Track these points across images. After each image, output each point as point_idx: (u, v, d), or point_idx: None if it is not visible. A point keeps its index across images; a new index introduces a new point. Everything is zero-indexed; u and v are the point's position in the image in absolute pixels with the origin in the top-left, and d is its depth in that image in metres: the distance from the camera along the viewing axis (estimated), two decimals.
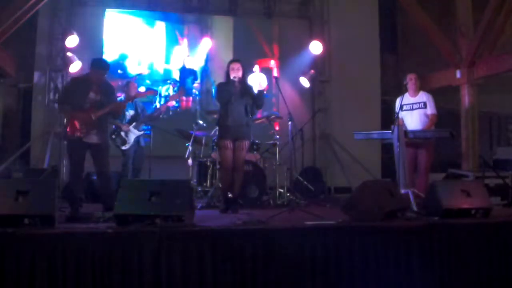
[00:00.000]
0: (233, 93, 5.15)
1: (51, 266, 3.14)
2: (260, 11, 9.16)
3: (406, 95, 5.67)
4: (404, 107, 5.67)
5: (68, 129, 4.75)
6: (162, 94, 8.52)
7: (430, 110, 5.64)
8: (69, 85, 4.80)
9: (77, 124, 4.67)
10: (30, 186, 3.51)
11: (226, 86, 5.21)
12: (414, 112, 5.67)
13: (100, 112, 4.76)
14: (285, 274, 3.45)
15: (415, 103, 5.68)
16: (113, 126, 6.04)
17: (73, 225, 3.75)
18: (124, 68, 8.48)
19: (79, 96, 4.74)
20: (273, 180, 6.63)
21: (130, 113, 6.23)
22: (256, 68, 8.88)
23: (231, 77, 5.16)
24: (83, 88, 4.78)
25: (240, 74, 5.21)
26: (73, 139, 4.72)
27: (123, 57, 8.50)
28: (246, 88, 5.32)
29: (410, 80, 5.70)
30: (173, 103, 8.33)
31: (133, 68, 8.53)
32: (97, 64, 4.85)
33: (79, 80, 4.92)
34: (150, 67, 8.65)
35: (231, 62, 5.33)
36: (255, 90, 5.33)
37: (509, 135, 11.05)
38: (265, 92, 5.49)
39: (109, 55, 8.30)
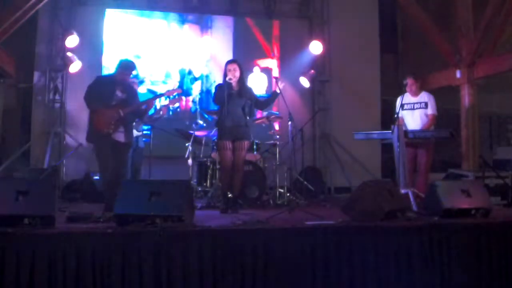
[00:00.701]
0: (230, 94, 5.12)
1: (51, 266, 3.15)
2: (260, 11, 9.15)
3: (407, 94, 5.68)
4: (405, 106, 5.67)
5: (95, 127, 4.77)
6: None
7: (431, 110, 5.64)
8: (95, 84, 4.91)
9: (105, 120, 4.72)
10: (30, 186, 3.51)
11: (222, 87, 5.18)
12: (415, 112, 5.67)
13: (128, 108, 4.85)
14: (285, 274, 3.44)
15: (416, 103, 5.69)
16: None
17: (73, 225, 3.75)
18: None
19: (107, 94, 4.83)
20: (273, 180, 6.63)
21: None
22: (256, 68, 8.89)
23: (227, 79, 5.14)
24: (110, 86, 4.89)
25: (237, 74, 5.18)
26: (101, 136, 4.74)
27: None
28: (244, 89, 5.30)
29: (407, 85, 5.71)
30: (175, 104, 8.34)
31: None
32: (125, 66, 4.98)
33: (105, 79, 5.08)
34: (151, 67, 8.66)
35: (227, 63, 5.30)
36: (277, 90, 5.37)
37: (509, 135, 11.06)
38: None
39: (111, 54, 8.31)
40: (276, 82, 5.78)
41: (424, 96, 5.72)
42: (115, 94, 4.85)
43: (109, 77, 5.02)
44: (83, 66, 7.83)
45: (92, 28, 8.31)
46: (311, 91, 9.23)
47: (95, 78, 5.06)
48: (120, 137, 4.82)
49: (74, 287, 3.15)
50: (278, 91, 5.45)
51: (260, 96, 8.48)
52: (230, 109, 5.11)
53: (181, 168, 6.88)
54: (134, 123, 6.09)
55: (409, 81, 5.70)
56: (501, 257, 3.85)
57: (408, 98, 5.67)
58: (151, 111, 6.73)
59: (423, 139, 5.49)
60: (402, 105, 5.58)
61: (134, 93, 5.17)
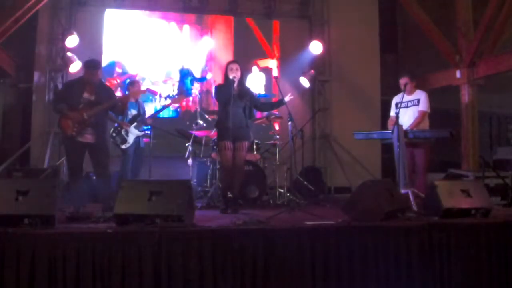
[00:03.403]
0: (232, 94, 5.14)
1: (51, 266, 3.14)
2: (260, 11, 9.16)
3: (402, 93, 5.73)
4: (400, 105, 5.71)
5: (61, 129, 4.87)
6: (163, 95, 8.53)
7: (421, 106, 5.66)
8: (63, 88, 4.96)
9: (69, 123, 4.73)
10: (30, 186, 3.51)
11: (225, 87, 5.20)
12: (408, 110, 5.68)
13: (93, 110, 4.81)
14: (285, 274, 3.44)
15: (410, 101, 5.70)
16: (115, 124, 6.04)
17: (73, 225, 3.74)
18: (123, 67, 8.48)
19: (73, 96, 4.85)
20: (273, 180, 6.63)
21: (132, 112, 6.22)
22: (254, 68, 8.89)
23: (231, 77, 5.15)
24: (76, 89, 4.90)
25: (238, 74, 5.21)
26: (67, 139, 4.82)
27: (122, 56, 8.49)
28: (244, 90, 5.32)
29: (401, 85, 5.74)
30: (174, 105, 8.35)
31: (132, 66, 8.53)
32: (88, 64, 4.97)
33: (73, 82, 5.11)
34: (151, 67, 8.67)
35: (229, 63, 5.32)
36: (284, 100, 5.38)
37: (509, 135, 11.07)
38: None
39: (109, 54, 8.32)
40: (277, 83, 5.80)
41: (417, 94, 5.75)
42: (82, 96, 4.84)
43: (78, 80, 5.04)
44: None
45: (92, 28, 8.31)
46: (311, 91, 9.23)
47: (65, 82, 5.09)
48: (87, 138, 4.84)
49: (74, 287, 3.15)
50: (284, 101, 5.44)
51: (261, 96, 8.52)
52: (231, 110, 5.10)
53: (181, 168, 6.87)
54: (135, 123, 6.11)
55: (403, 80, 5.73)
56: (501, 257, 3.85)
57: (403, 97, 5.71)
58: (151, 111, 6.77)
59: (423, 139, 5.50)
60: (396, 104, 5.64)
61: (107, 94, 5.06)
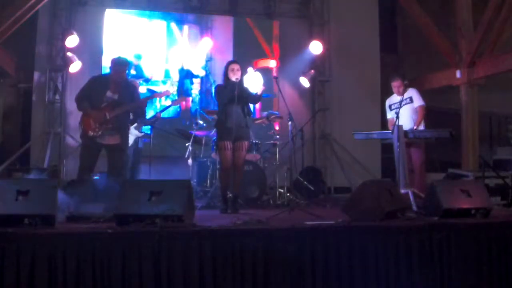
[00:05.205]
0: (233, 94, 5.14)
1: (51, 266, 3.14)
2: (260, 11, 9.16)
3: (394, 95, 5.78)
4: (393, 106, 5.75)
5: (83, 128, 4.80)
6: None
7: (417, 102, 5.68)
8: (87, 85, 4.88)
9: (91, 122, 4.68)
10: (30, 186, 3.51)
11: (226, 88, 5.20)
12: (402, 109, 5.70)
13: (116, 111, 4.76)
14: (285, 274, 3.44)
15: (402, 100, 5.72)
16: None
17: (73, 225, 3.74)
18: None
19: (96, 95, 4.78)
20: (273, 180, 6.63)
21: None
22: (250, 69, 8.86)
23: (233, 79, 5.14)
24: (100, 87, 4.83)
25: (239, 75, 5.21)
26: (86, 138, 4.76)
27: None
28: (243, 90, 5.33)
29: (394, 87, 5.78)
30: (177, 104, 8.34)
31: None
32: (118, 63, 4.90)
33: (97, 80, 5.00)
34: (151, 67, 8.66)
35: (230, 63, 5.32)
36: (258, 92, 5.34)
37: (509, 135, 11.06)
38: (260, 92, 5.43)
39: (111, 54, 8.30)
40: (277, 83, 5.81)
41: (408, 92, 5.77)
42: (105, 95, 4.78)
43: (103, 77, 4.97)
44: (83, 66, 7.83)
45: (92, 28, 8.30)
46: (311, 91, 9.23)
47: (89, 78, 5.02)
48: (109, 140, 4.78)
49: (74, 287, 3.15)
50: (260, 92, 5.36)
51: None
52: (232, 110, 5.12)
53: (181, 168, 6.87)
54: (135, 124, 6.12)
55: (395, 83, 5.75)
56: (501, 257, 3.85)
57: (395, 98, 5.76)
58: (152, 114, 6.76)
59: (424, 140, 5.51)
60: (390, 106, 5.68)
61: (129, 94, 5.02)
